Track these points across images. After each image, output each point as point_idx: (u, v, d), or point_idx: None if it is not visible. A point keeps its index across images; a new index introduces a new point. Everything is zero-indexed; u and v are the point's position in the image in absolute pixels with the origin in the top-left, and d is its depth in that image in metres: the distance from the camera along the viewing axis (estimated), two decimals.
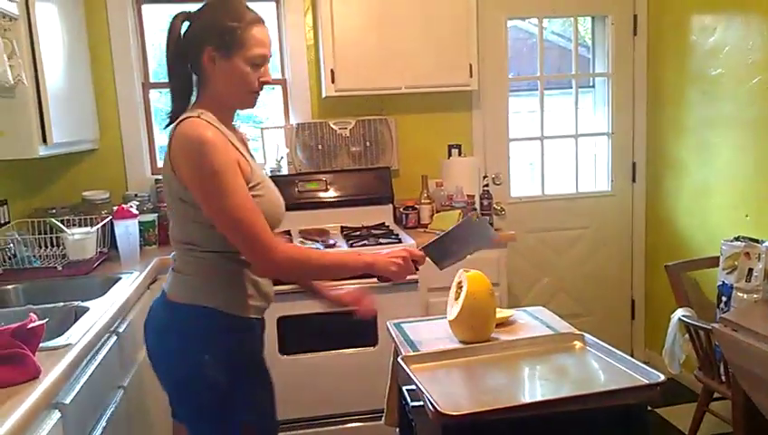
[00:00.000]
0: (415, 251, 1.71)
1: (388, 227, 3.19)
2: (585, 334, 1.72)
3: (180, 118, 1.54)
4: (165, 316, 1.65)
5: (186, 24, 1.58)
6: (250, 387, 1.67)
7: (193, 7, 1.60)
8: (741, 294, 2.50)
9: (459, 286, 1.80)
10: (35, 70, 2.36)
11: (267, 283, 1.71)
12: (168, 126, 1.60)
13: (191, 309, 1.60)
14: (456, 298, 1.78)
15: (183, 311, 1.61)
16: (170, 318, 1.64)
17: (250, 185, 1.55)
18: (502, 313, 1.91)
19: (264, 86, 1.62)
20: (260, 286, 1.67)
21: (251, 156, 1.69)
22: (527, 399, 1.46)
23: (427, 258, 1.75)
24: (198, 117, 1.52)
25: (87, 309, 1.97)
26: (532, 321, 1.94)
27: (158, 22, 3.30)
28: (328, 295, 1.90)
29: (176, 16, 1.59)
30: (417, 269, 1.72)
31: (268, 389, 1.80)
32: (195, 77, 1.60)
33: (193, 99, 1.62)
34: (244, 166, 1.55)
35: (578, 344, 1.71)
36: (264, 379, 1.78)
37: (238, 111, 1.72)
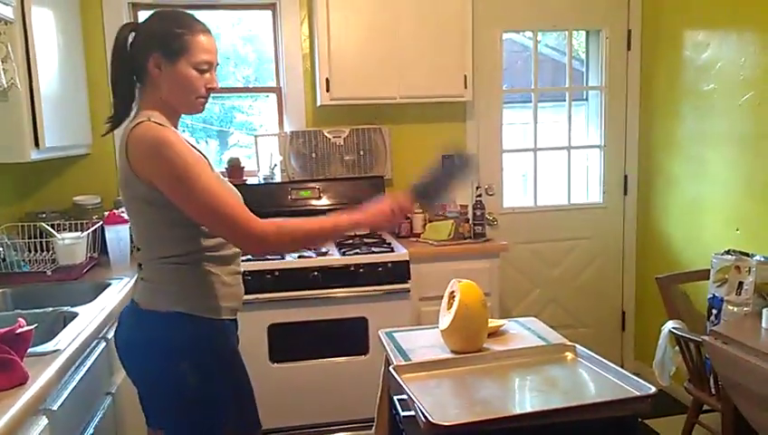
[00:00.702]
0: (401, 198, 1.70)
1: (380, 235, 3.19)
2: (577, 346, 1.72)
3: (131, 124, 1.56)
4: (138, 326, 1.64)
5: (132, 35, 1.61)
6: (231, 390, 1.67)
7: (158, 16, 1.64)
8: (731, 308, 2.51)
9: (452, 296, 1.80)
10: (29, 74, 2.35)
11: (237, 283, 1.72)
12: (108, 133, 1.65)
13: (165, 316, 1.59)
14: (449, 308, 1.78)
15: (157, 319, 1.60)
16: (144, 327, 1.63)
17: None
18: (493, 323, 1.91)
19: (211, 93, 1.65)
20: (230, 287, 1.68)
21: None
22: (518, 410, 1.46)
23: (417, 203, 1.76)
24: (149, 120, 1.54)
25: (76, 314, 1.95)
26: (524, 331, 1.94)
27: None
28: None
29: (122, 27, 1.62)
30: (408, 217, 1.71)
31: (248, 390, 1.79)
32: (138, 85, 1.63)
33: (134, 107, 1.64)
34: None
35: (569, 355, 1.71)
36: (243, 380, 1.77)
37: (188, 117, 1.75)
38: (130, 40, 1.60)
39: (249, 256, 2.73)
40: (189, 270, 1.61)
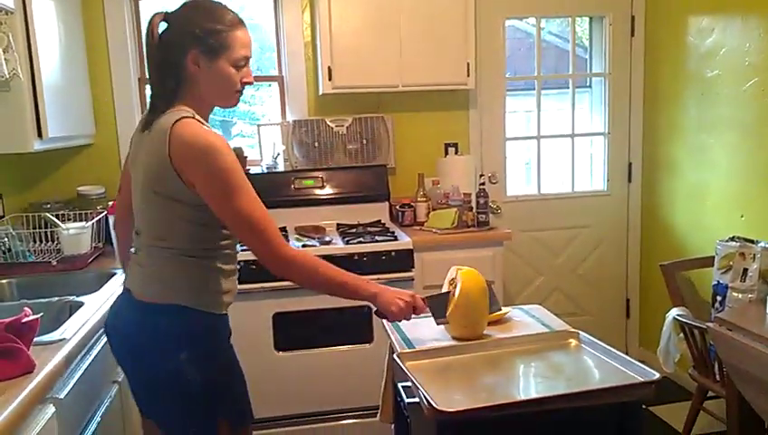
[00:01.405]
0: (418, 298, 1.72)
1: (383, 224, 3.19)
2: (580, 332, 1.72)
3: (170, 118, 1.52)
4: (135, 317, 1.62)
5: (163, 25, 1.58)
6: (226, 383, 1.67)
7: (168, 5, 1.60)
8: (736, 294, 2.51)
9: (452, 283, 1.80)
10: (31, 64, 2.34)
11: (235, 277, 1.73)
12: (147, 128, 1.58)
13: (166, 308, 1.58)
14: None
15: (157, 310, 1.59)
16: (142, 318, 1.60)
17: None
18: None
19: (246, 86, 1.66)
20: (231, 282, 1.69)
21: None
22: (522, 396, 1.46)
23: (428, 309, 1.75)
24: (193, 117, 1.53)
25: (82, 304, 1.96)
26: (528, 319, 1.94)
27: None
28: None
29: (152, 18, 1.58)
30: (412, 317, 1.72)
31: (241, 382, 1.78)
32: (173, 77, 1.59)
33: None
34: None
35: (573, 342, 1.71)
36: (238, 372, 1.77)
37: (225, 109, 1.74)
38: (161, 30, 1.57)
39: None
40: (197, 264, 1.60)
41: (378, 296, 1.67)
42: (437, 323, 1.78)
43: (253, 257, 2.57)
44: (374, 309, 1.71)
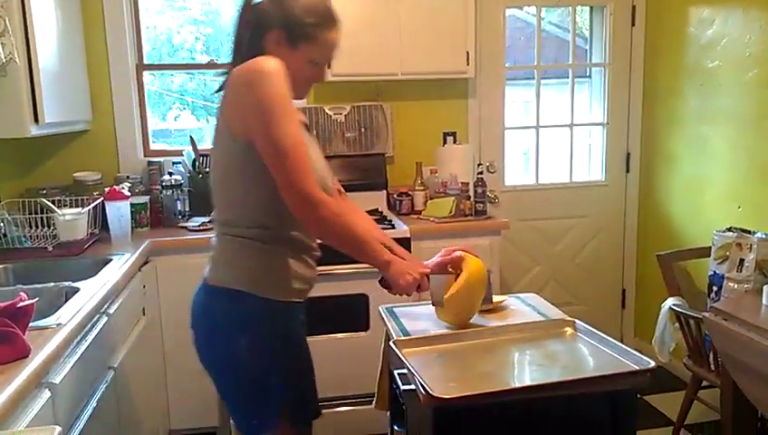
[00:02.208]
0: (425, 278, 1.69)
1: (381, 212, 3.18)
2: (576, 321, 1.72)
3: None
4: (203, 301, 1.65)
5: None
6: (287, 371, 1.66)
7: None
8: (732, 284, 2.51)
9: (454, 267, 1.77)
10: (28, 48, 2.33)
11: (309, 266, 1.68)
12: (220, 90, 1.59)
13: (228, 293, 1.59)
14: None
15: (220, 295, 1.60)
16: (208, 302, 1.63)
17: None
18: (494, 298, 1.91)
19: (315, 83, 1.65)
20: (301, 267, 1.65)
21: None
22: (517, 383, 1.47)
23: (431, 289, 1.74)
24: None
25: (77, 290, 1.96)
26: (524, 307, 1.95)
27: (152, 3, 3.27)
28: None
29: None
30: (414, 293, 1.71)
31: (307, 372, 1.77)
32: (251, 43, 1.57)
33: None
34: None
35: (569, 331, 1.71)
36: (303, 362, 1.75)
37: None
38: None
39: None
40: (263, 249, 1.58)
41: (390, 266, 1.63)
42: (433, 304, 1.77)
43: None
44: (379, 277, 1.69)
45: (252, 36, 1.57)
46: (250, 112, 1.46)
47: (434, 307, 1.79)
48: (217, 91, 1.62)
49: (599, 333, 1.64)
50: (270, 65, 1.47)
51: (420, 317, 1.86)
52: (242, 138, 1.50)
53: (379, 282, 1.72)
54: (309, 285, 1.70)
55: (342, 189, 1.96)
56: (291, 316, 1.68)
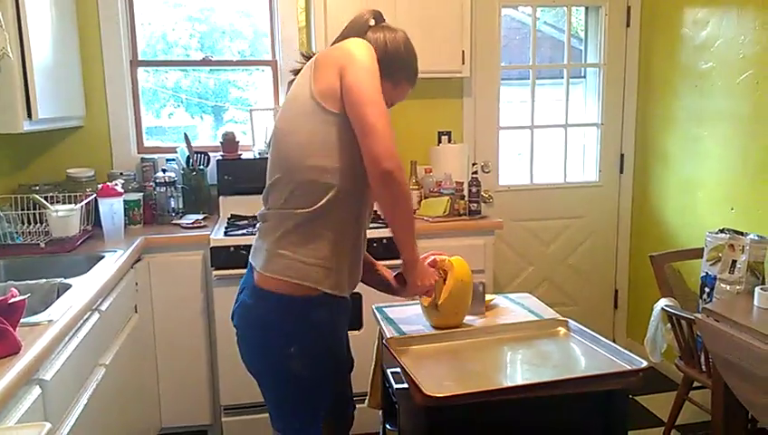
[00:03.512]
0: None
1: (375, 211, 3.17)
2: (569, 320, 1.73)
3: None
4: (250, 304, 1.61)
5: (372, 22, 1.67)
6: (331, 377, 1.65)
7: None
8: (724, 286, 2.53)
9: (440, 271, 1.78)
10: (21, 43, 2.31)
11: (350, 260, 1.65)
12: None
13: (277, 297, 1.56)
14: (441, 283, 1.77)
15: (270, 299, 1.57)
16: (256, 306, 1.60)
17: None
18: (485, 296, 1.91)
19: None
20: (356, 266, 1.66)
21: None
22: (509, 383, 1.47)
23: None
24: None
25: (69, 286, 1.95)
26: (516, 307, 1.95)
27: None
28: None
29: (368, 11, 1.69)
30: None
31: (345, 372, 1.78)
32: None
33: None
34: None
35: (562, 330, 1.72)
36: (342, 365, 1.76)
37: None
38: (370, 25, 1.66)
39: (247, 230, 2.73)
40: (335, 241, 1.56)
41: (418, 263, 1.66)
42: (425, 310, 1.78)
43: (245, 242, 2.55)
44: (396, 272, 1.71)
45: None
46: (345, 69, 1.51)
47: (423, 312, 1.80)
48: (296, 73, 1.68)
49: (591, 332, 1.64)
50: (360, 42, 1.57)
51: (413, 317, 1.86)
52: (338, 111, 1.52)
53: (395, 277, 1.72)
54: (352, 280, 1.68)
55: None
56: (340, 316, 1.66)
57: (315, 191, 1.53)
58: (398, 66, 1.64)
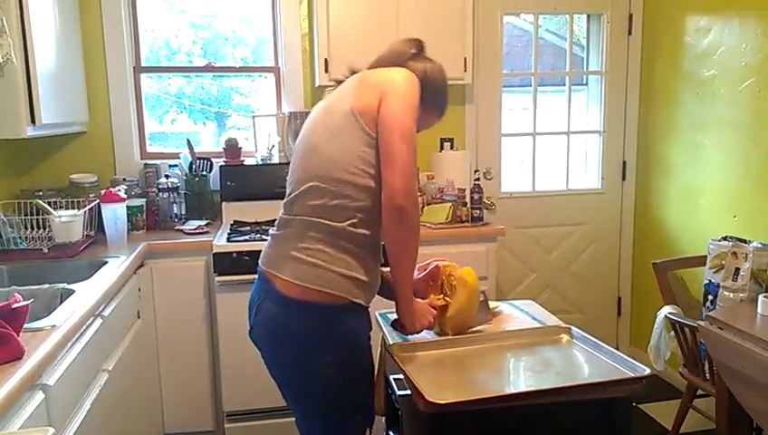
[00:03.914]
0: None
1: None
2: (572, 328, 1.72)
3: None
4: (277, 314, 1.56)
5: (412, 53, 1.71)
6: (363, 384, 1.64)
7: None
8: (727, 293, 2.52)
9: (446, 285, 1.78)
10: (25, 49, 2.33)
11: (369, 269, 1.63)
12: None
13: (314, 307, 1.52)
14: (446, 291, 1.77)
15: (299, 307, 1.53)
16: (284, 316, 1.55)
17: None
18: (489, 304, 1.91)
19: None
20: (378, 279, 1.66)
21: None
22: (512, 389, 1.46)
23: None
24: None
25: (73, 291, 1.95)
26: (520, 314, 1.95)
27: (151, 5, 3.27)
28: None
29: (409, 39, 1.75)
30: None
31: (371, 381, 1.75)
32: None
33: None
34: None
35: (565, 338, 1.71)
36: (370, 370, 1.73)
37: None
38: (409, 54, 1.70)
39: (249, 236, 2.73)
40: (362, 251, 1.56)
41: (412, 304, 1.63)
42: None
43: (248, 248, 2.56)
44: (391, 320, 1.70)
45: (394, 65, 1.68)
46: (392, 94, 1.55)
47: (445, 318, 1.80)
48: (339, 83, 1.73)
49: (594, 339, 1.64)
50: (407, 72, 1.61)
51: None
52: (374, 132, 1.55)
53: (392, 324, 1.71)
54: (373, 289, 1.67)
55: None
56: (367, 323, 1.64)
57: (349, 206, 1.54)
58: (432, 96, 1.68)
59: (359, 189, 1.54)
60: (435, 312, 1.71)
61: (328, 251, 1.53)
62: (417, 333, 1.67)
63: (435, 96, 1.70)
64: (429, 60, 1.72)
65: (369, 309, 1.63)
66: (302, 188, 1.58)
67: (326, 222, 1.54)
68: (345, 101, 1.59)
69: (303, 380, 1.58)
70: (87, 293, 1.94)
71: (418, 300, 1.69)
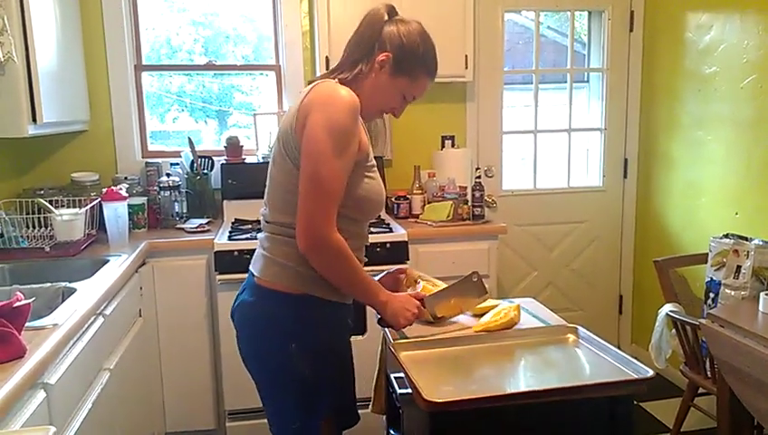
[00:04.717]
0: (422, 308, 1.72)
1: (379, 216, 3.18)
2: (579, 327, 1.72)
3: (315, 80, 1.59)
4: (254, 301, 1.62)
5: (386, 17, 1.64)
6: (335, 377, 1.65)
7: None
8: (728, 291, 2.51)
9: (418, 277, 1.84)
10: (26, 48, 2.33)
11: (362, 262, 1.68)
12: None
13: (281, 296, 1.58)
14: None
15: (272, 296, 1.59)
16: (259, 303, 1.61)
17: (368, 164, 1.59)
18: (488, 302, 1.91)
19: (384, 114, 1.71)
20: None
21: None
22: (514, 389, 1.46)
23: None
24: (336, 80, 1.57)
25: (74, 290, 1.95)
26: (522, 312, 1.94)
27: (152, 4, 3.26)
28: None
29: (382, 6, 1.66)
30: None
31: (351, 379, 1.77)
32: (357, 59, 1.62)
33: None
34: (365, 143, 1.58)
35: (571, 337, 1.71)
36: (348, 368, 1.75)
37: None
38: (384, 19, 1.63)
39: (251, 235, 2.74)
40: None
41: (387, 305, 1.63)
42: (434, 320, 1.78)
43: (248, 247, 2.56)
44: (377, 317, 1.69)
45: (367, 52, 1.62)
46: (311, 127, 1.49)
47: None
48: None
49: (600, 340, 1.63)
50: (344, 94, 1.51)
51: (417, 321, 1.85)
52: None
53: (378, 322, 1.71)
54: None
55: None
56: (340, 319, 1.68)
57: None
58: (415, 60, 1.62)
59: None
60: (416, 302, 1.70)
61: (290, 251, 1.56)
62: (404, 327, 1.68)
63: (418, 59, 1.63)
64: (404, 21, 1.66)
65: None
66: (266, 195, 1.66)
67: (284, 225, 1.57)
68: (290, 120, 1.56)
69: (270, 368, 1.61)
70: (88, 291, 1.94)
71: (398, 294, 1.70)
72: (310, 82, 1.61)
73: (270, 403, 1.68)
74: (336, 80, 1.59)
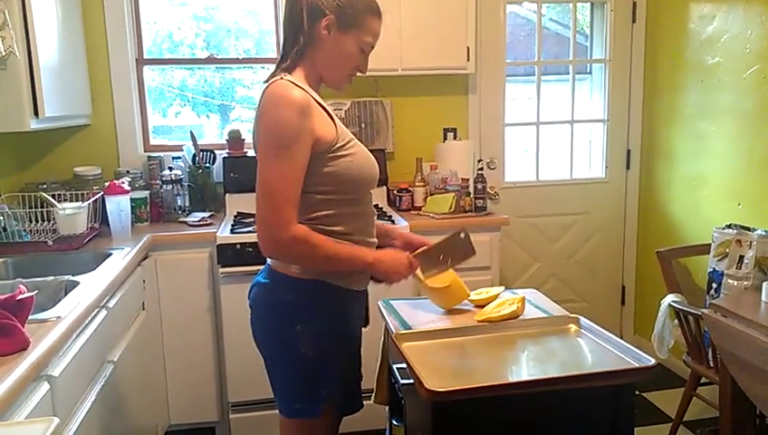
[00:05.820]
0: (414, 262, 1.73)
1: (381, 208, 3.18)
2: (581, 317, 1.72)
3: (270, 80, 1.58)
4: (265, 283, 1.66)
5: None
6: (340, 362, 1.67)
7: None
8: (731, 281, 2.51)
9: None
10: (28, 41, 2.32)
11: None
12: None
13: (291, 279, 1.60)
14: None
15: (282, 279, 1.62)
16: (269, 285, 1.65)
17: (339, 144, 1.57)
18: (490, 291, 1.91)
19: (356, 74, 1.68)
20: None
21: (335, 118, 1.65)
22: (516, 378, 1.47)
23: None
24: (282, 78, 1.55)
25: (77, 283, 1.96)
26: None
27: None
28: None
29: None
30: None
31: (357, 365, 1.78)
32: (301, 38, 1.60)
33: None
34: (326, 130, 1.55)
35: (573, 327, 1.71)
36: (355, 353, 1.77)
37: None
38: None
39: (253, 228, 2.74)
40: (330, 235, 1.59)
41: (377, 265, 1.64)
42: (424, 277, 1.79)
43: (249, 240, 2.56)
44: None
45: (307, 27, 1.59)
46: (262, 137, 1.53)
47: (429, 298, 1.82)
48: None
49: (602, 330, 1.64)
50: (294, 94, 1.50)
51: (419, 309, 1.86)
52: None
53: (372, 278, 1.72)
54: (364, 275, 1.70)
55: None
56: (350, 307, 1.70)
57: (302, 212, 1.58)
58: (356, 7, 1.60)
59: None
60: (406, 256, 1.71)
61: None
62: (397, 281, 1.70)
63: (358, 6, 1.60)
64: None
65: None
66: None
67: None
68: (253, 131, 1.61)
69: (277, 348, 1.64)
70: (91, 284, 1.95)
71: (386, 250, 1.71)
72: (266, 81, 1.61)
73: (275, 382, 1.70)
74: (283, 72, 1.58)
